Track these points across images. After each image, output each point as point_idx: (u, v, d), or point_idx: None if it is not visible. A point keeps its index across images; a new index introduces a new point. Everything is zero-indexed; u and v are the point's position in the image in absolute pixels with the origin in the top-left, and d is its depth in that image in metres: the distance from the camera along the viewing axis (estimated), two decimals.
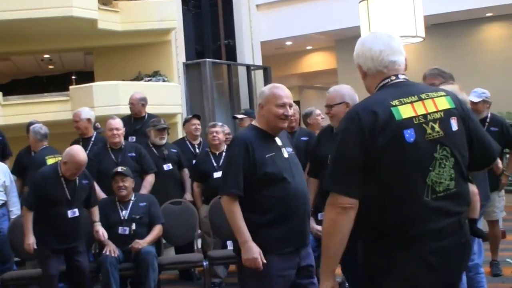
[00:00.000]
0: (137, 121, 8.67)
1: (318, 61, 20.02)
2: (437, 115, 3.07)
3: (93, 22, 10.39)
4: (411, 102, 3.06)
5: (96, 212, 6.92)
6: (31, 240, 6.56)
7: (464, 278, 5.19)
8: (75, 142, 8.11)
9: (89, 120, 8.08)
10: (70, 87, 10.82)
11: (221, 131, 7.96)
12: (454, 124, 3.10)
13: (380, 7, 8.46)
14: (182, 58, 11.96)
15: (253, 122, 4.73)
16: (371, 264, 3.13)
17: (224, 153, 7.77)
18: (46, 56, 16.65)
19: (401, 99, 3.05)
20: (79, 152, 6.59)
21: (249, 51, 13.60)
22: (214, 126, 8.05)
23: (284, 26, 17.00)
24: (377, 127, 2.97)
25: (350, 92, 5.17)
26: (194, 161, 8.36)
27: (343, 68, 17.05)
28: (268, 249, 4.39)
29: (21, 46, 11.58)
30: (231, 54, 13.43)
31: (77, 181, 6.71)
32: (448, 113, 3.10)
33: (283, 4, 17.14)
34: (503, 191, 7.41)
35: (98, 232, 6.76)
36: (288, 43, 18.49)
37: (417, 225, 2.98)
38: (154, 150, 8.13)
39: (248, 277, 4.48)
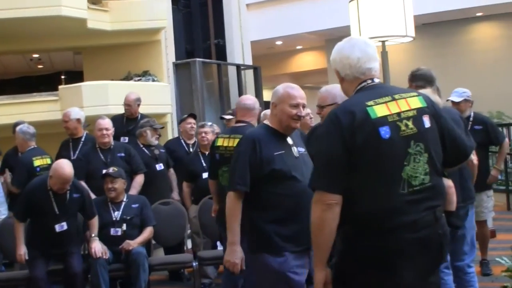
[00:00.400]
0: (130, 121, 8.65)
1: (308, 60, 20.05)
2: (410, 113, 3.25)
3: (82, 21, 10.33)
4: (385, 102, 3.24)
5: (94, 224, 6.84)
6: (22, 251, 6.56)
7: (450, 278, 5.19)
8: (65, 142, 8.10)
9: (78, 120, 8.03)
10: (59, 87, 10.75)
11: (210, 131, 7.92)
12: (427, 122, 3.28)
13: (370, 6, 8.46)
14: (172, 57, 11.92)
15: (265, 121, 4.71)
16: (350, 254, 3.26)
17: None
18: (35, 55, 16.58)
19: (376, 100, 3.24)
20: (63, 166, 6.54)
21: (239, 51, 13.58)
22: (203, 126, 8.03)
23: (274, 26, 17.04)
24: (355, 126, 3.15)
25: (342, 92, 5.14)
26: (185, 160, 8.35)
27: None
28: (274, 246, 4.38)
29: (9, 45, 11.50)
30: (221, 53, 13.40)
31: (68, 195, 6.68)
32: (420, 111, 3.28)
33: (273, 3, 17.16)
34: (491, 191, 7.42)
35: (92, 249, 6.65)
36: (278, 42, 18.52)
37: (394, 217, 3.14)
38: (146, 150, 8.10)
39: (253, 275, 4.49)
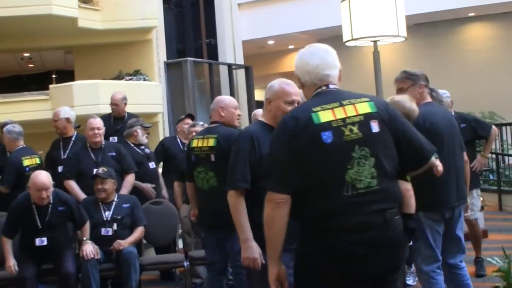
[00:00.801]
0: (118, 121, 8.60)
1: None
2: (356, 119, 3.35)
3: (73, 20, 10.32)
4: (332, 108, 3.38)
5: (85, 228, 6.81)
6: (11, 262, 6.52)
7: (441, 278, 5.17)
8: (56, 141, 8.05)
9: (67, 119, 7.97)
10: (50, 86, 10.73)
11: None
12: (375, 126, 3.37)
13: (361, 6, 8.45)
14: (163, 57, 11.92)
15: (260, 118, 4.66)
16: (303, 251, 3.44)
17: None
18: (26, 54, 16.55)
19: (323, 106, 3.38)
20: (38, 174, 6.57)
21: (230, 50, 13.58)
22: (194, 125, 7.98)
23: (266, 25, 17.01)
24: (298, 131, 3.33)
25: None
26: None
27: None
28: None
29: (0, 44, 11.46)
30: (213, 53, 13.40)
31: (50, 208, 6.64)
32: (368, 116, 3.37)
33: (265, 3, 17.14)
34: (479, 190, 7.43)
35: (83, 251, 6.60)
36: (270, 42, 18.50)
37: (338, 218, 3.27)
38: (137, 149, 8.07)
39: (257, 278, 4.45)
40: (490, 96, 15.99)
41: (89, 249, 6.61)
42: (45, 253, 6.63)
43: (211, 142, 5.64)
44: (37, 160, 7.62)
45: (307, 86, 3.60)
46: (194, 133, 7.75)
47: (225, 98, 6.05)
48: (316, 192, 3.32)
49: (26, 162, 7.47)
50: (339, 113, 3.36)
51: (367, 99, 3.46)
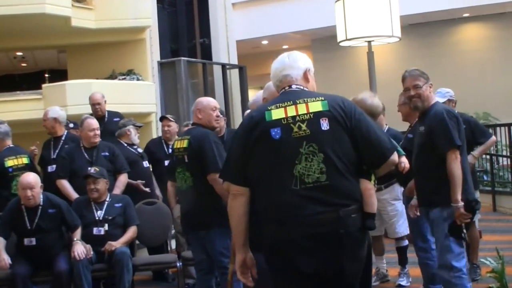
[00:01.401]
0: (100, 120, 8.57)
1: None
2: (306, 117, 3.54)
3: (66, 19, 10.29)
4: (285, 106, 3.59)
5: (76, 232, 6.80)
6: (3, 256, 6.54)
7: (465, 281, 5.16)
8: (47, 141, 8.02)
9: (55, 119, 7.91)
10: (43, 85, 10.71)
11: None
12: (325, 124, 3.53)
13: (356, 6, 8.45)
14: (157, 56, 11.88)
15: None
16: (263, 242, 3.61)
17: None
18: (19, 53, 16.48)
19: (278, 104, 3.62)
20: (25, 175, 6.72)
21: (224, 50, 13.56)
22: (187, 125, 8.00)
23: (260, 25, 16.99)
24: (251, 127, 3.60)
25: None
26: (166, 162, 8.29)
27: (319, 68, 16.98)
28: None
29: None
30: (207, 53, 13.37)
31: (40, 210, 6.69)
32: (318, 114, 3.54)
33: (259, 3, 17.12)
34: (478, 193, 7.35)
35: (74, 252, 6.58)
36: (264, 42, 18.48)
37: (286, 210, 3.46)
38: (131, 148, 8.05)
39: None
40: (485, 96, 16.00)
41: (80, 249, 6.60)
42: (36, 253, 6.64)
43: (185, 143, 5.80)
44: (24, 160, 7.55)
45: (276, 88, 3.87)
46: None
47: (203, 99, 6.11)
48: (264, 184, 3.55)
49: (10, 162, 7.41)
50: (291, 111, 3.56)
51: (322, 98, 3.61)
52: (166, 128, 8.42)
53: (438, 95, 7.04)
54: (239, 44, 14.95)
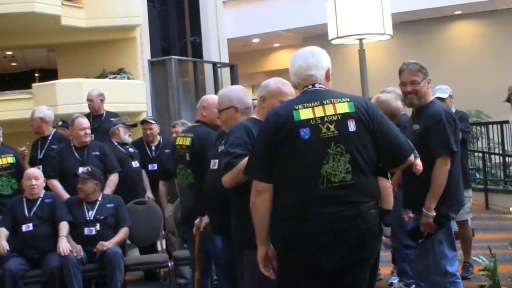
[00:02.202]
0: (96, 119, 8.54)
1: (285, 58, 19.95)
2: (334, 118, 3.62)
3: (56, 18, 10.26)
4: (313, 107, 3.66)
5: (62, 227, 6.83)
6: (2, 242, 6.63)
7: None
8: (35, 141, 8.03)
9: (42, 119, 7.88)
10: (33, 84, 10.70)
11: (182, 130, 7.84)
12: (352, 126, 3.62)
13: (347, 4, 8.44)
14: (147, 55, 11.84)
15: (253, 115, 4.57)
16: (277, 237, 3.72)
17: None
18: (8, 53, 16.46)
19: (305, 104, 3.68)
20: (29, 169, 7.20)
21: (215, 48, 13.52)
22: (174, 126, 8.03)
23: (251, 23, 16.99)
24: (279, 125, 3.64)
25: (239, 95, 4.90)
26: (150, 166, 8.35)
27: None
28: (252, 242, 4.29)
29: None
30: (197, 51, 13.32)
31: (39, 201, 6.95)
32: (345, 116, 3.63)
33: (250, 1, 17.13)
34: (470, 191, 7.33)
35: (59, 248, 6.61)
36: (255, 40, 18.47)
37: (311, 208, 3.56)
38: (121, 148, 8.00)
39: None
40: (477, 94, 16.03)
41: (65, 245, 6.63)
42: (31, 243, 6.74)
43: (188, 141, 5.78)
44: (10, 159, 7.53)
45: (296, 86, 3.93)
46: (175, 134, 7.75)
47: (209, 97, 6.04)
48: (291, 182, 3.62)
49: None
50: (319, 112, 3.63)
51: (348, 99, 3.69)
52: (148, 132, 8.43)
53: (439, 92, 7.03)
54: (230, 43, 14.92)
